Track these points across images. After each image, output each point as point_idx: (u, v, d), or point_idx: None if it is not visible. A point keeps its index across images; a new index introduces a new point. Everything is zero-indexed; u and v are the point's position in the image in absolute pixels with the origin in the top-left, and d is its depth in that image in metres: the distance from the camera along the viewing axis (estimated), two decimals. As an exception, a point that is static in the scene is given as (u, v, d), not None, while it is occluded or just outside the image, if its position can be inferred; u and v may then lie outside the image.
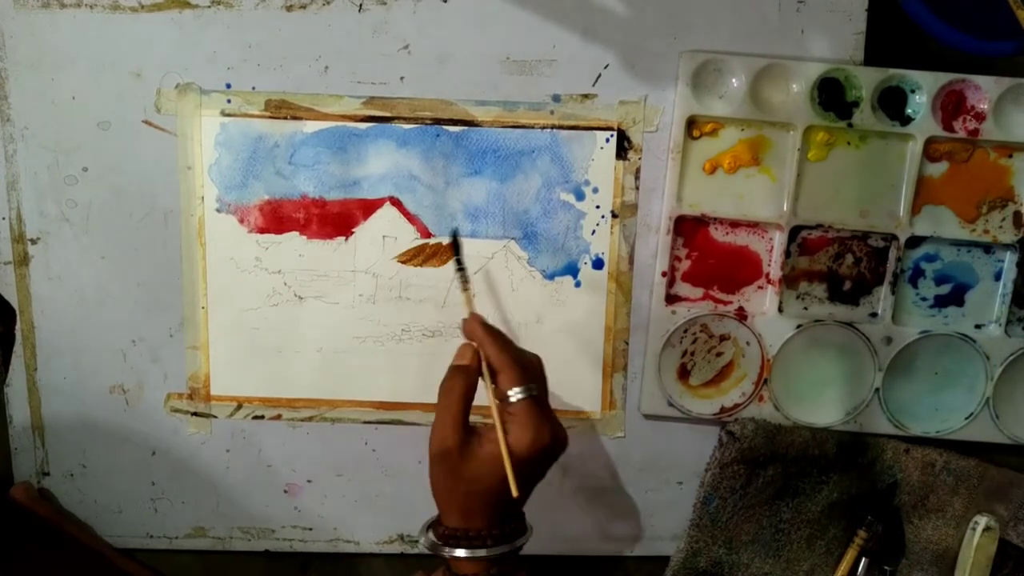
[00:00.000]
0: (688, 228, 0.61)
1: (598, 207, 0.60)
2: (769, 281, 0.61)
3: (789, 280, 0.61)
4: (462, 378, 0.50)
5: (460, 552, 0.49)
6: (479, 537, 0.49)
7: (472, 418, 0.51)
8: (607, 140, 0.60)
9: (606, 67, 0.59)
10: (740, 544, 0.63)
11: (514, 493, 0.47)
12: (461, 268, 0.54)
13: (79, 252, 0.61)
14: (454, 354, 0.53)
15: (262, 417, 0.63)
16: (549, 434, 0.49)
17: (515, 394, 0.49)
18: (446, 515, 0.51)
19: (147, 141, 0.59)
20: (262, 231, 0.61)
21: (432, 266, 0.61)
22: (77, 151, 0.60)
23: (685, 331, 0.61)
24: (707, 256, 0.61)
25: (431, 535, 0.51)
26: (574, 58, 0.59)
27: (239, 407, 0.63)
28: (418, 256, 0.61)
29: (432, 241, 0.60)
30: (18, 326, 0.62)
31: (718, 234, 0.61)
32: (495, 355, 0.50)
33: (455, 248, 0.55)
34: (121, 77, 0.59)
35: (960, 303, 0.61)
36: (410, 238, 0.61)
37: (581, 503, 0.64)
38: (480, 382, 0.51)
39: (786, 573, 0.63)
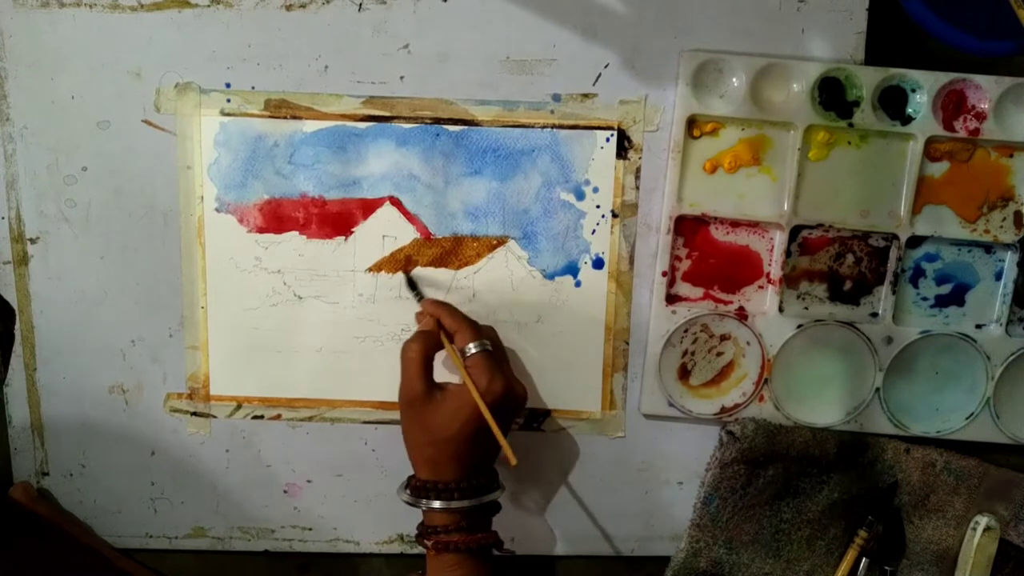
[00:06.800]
0: (688, 228, 0.60)
1: (598, 207, 0.60)
2: (770, 281, 0.61)
3: (790, 280, 0.61)
4: (423, 339, 0.55)
5: (432, 503, 0.53)
6: (447, 490, 0.54)
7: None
8: (607, 140, 0.59)
9: (606, 67, 0.59)
10: (740, 544, 0.63)
11: (492, 426, 0.52)
12: (420, 297, 0.60)
13: (78, 252, 0.61)
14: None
15: (262, 417, 0.63)
16: (502, 383, 0.53)
17: (471, 348, 0.54)
18: (418, 468, 0.55)
19: (146, 141, 0.59)
20: (262, 231, 0.61)
21: (432, 266, 0.61)
22: (76, 151, 0.60)
23: (685, 331, 0.61)
24: (707, 256, 0.61)
25: (407, 490, 0.56)
26: (574, 58, 0.58)
27: (239, 407, 0.63)
28: (418, 256, 0.61)
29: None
30: (17, 326, 0.61)
31: (718, 234, 0.61)
32: (449, 320, 0.56)
33: (411, 286, 0.61)
34: (120, 76, 0.59)
35: (961, 303, 0.61)
36: (410, 238, 0.61)
37: (581, 503, 0.64)
38: (443, 354, 0.57)
39: (786, 573, 0.63)
